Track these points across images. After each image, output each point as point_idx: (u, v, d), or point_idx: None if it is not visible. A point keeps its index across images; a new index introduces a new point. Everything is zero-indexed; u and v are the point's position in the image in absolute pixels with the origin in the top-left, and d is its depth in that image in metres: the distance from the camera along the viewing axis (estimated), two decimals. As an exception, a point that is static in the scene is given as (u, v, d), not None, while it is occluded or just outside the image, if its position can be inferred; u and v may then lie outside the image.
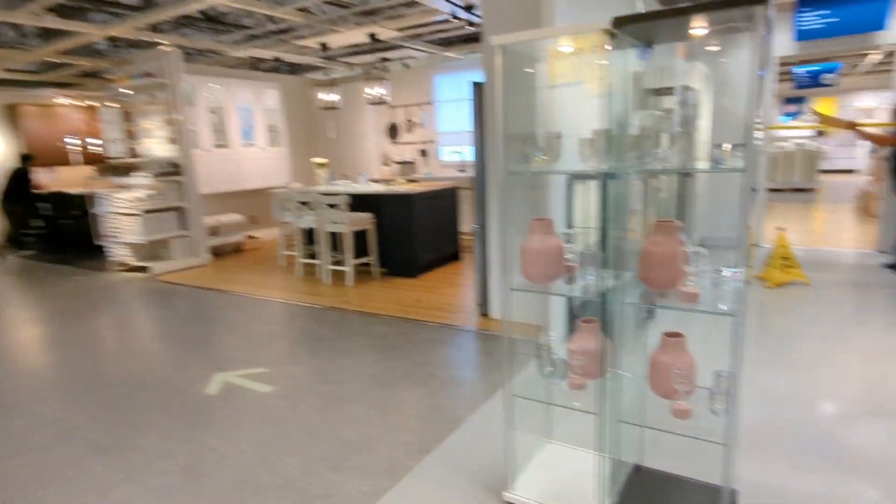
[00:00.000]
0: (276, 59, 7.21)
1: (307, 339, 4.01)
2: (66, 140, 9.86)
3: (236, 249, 7.90)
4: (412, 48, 7.13)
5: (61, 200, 8.37)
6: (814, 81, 11.40)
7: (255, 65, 7.32)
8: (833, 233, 7.22)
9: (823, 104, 15.63)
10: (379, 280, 5.77)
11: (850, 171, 15.28)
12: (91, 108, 10.32)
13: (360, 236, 6.24)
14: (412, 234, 5.71)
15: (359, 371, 3.40)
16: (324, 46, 6.29)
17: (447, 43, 7.65)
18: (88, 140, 10.25)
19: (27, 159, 8.47)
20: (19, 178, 8.30)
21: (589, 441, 2.30)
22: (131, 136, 7.16)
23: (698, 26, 1.70)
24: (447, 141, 8.62)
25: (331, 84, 6.52)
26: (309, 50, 7.57)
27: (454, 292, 5.14)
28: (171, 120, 6.62)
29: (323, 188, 6.50)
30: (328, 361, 3.58)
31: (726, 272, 1.65)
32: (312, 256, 6.62)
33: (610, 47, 1.67)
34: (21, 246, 8.59)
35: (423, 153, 8.82)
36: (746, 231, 1.50)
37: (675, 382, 1.86)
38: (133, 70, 6.62)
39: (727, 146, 1.55)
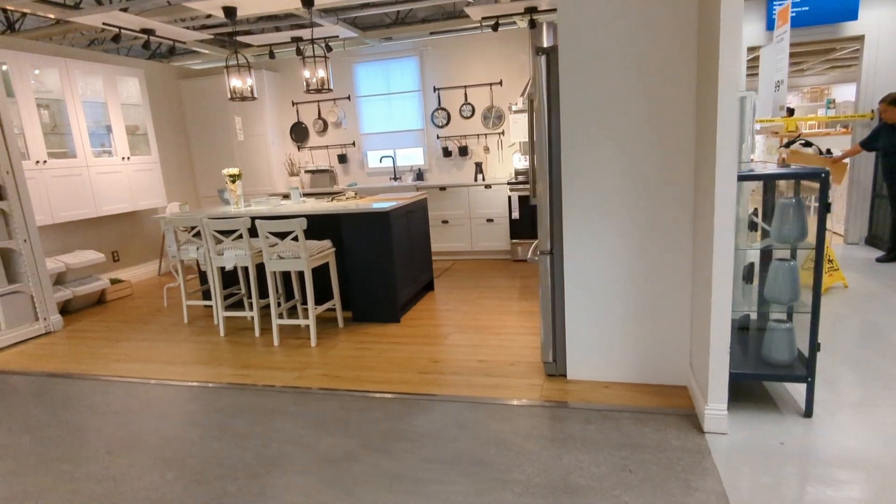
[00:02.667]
0: (147, 32, 5.14)
1: (322, 463, 2.40)
2: None
3: (98, 301, 5.58)
4: (341, 26, 5.58)
5: None
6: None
7: (117, 39, 5.14)
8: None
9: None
10: (349, 331, 4.18)
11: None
12: None
13: (314, 274, 4.58)
14: (391, 264, 4.23)
15: (467, 525, 1.95)
16: (228, 12, 4.49)
17: (378, 25, 6.23)
18: None
19: None
20: None
21: None
22: None
23: None
24: (375, 144, 7.13)
25: (245, 67, 4.69)
26: (193, 20, 5.61)
27: (471, 340, 3.80)
28: (-18, 115, 4.28)
29: (240, 208, 4.68)
30: (396, 511, 2.06)
31: None
32: (235, 306, 4.76)
33: None
34: None
35: (343, 159, 7.21)
36: None
37: None
38: None
39: None
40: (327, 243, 4.16)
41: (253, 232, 4.40)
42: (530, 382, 3.07)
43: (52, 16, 4.68)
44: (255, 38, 5.82)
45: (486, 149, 6.71)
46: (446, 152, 6.80)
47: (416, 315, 4.48)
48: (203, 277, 5.09)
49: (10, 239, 4.47)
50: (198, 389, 3.29)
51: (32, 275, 4.56)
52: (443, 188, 6.37)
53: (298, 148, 7.39)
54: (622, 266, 2.83)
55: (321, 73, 4.55)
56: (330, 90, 4.75)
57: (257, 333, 4.24)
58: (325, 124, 7.22)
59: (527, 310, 4.42)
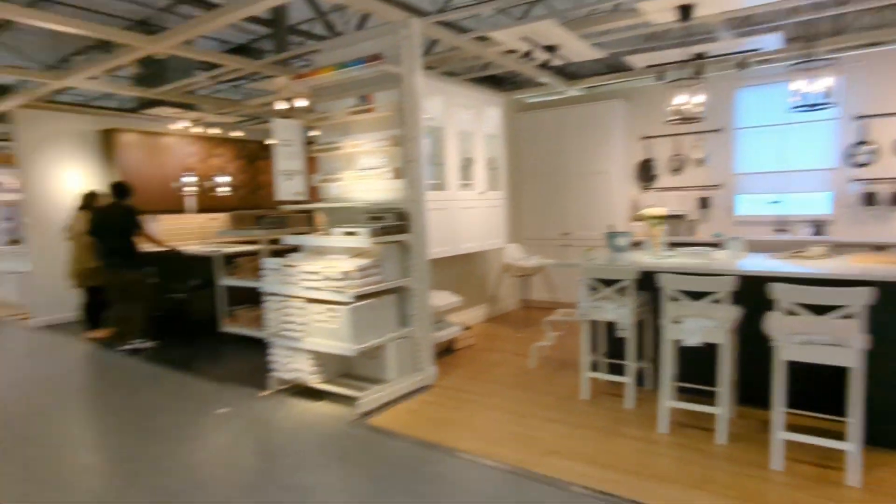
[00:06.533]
0: (550, 49, 4.46)
1: None
2: (179, 179, 7.39)
3: (447, 350, 5.00)
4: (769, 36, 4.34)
5: (174, 263, 5.71)
6: None
7: (529, 55, 4.49)
8: None
9: None
10: (881, 462, 2.71)
11: None
12: (210, 137, 7.91)
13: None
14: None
15: None
16: (685, 11, 3.56)
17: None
18: (210, 179, 7.77)
19: (123, 192, 5.41)
20: (123, 218, 5.29)
21: None
22: (313, 167, 4.49)
23: None
24: (752, 185, 5.71)
25: (695, 78, 3.73)
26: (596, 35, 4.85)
27: None
28: (400, 139, 3.92)
29: (660, 260, 3.59)
30: None
31: None
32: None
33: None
34: (144, 333, 5.36)
35: (704, 204, 5.91)
36: None
37: None
38: (344, 55, 3.99)
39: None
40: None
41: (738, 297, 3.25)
42: None
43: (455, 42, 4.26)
44: (645, 56, 4.89)
45: (941, 197, 4.80)
46: (869, 199, 5.05)
47: (979, 451, 2.83)
48: (611, 342, 4.12)
49: (407, 277, 4.00)
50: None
51: (420, 318, 4.03)
52: (879, 247, 4.63)
53: (644, 189, 6.30)
54: None
55: (827, 78, 3.30)
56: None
57: (722, 438, 3.01)
58: (682, 162, 6.02)
59: None
